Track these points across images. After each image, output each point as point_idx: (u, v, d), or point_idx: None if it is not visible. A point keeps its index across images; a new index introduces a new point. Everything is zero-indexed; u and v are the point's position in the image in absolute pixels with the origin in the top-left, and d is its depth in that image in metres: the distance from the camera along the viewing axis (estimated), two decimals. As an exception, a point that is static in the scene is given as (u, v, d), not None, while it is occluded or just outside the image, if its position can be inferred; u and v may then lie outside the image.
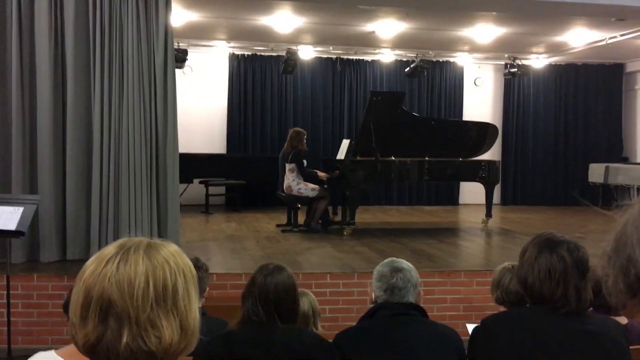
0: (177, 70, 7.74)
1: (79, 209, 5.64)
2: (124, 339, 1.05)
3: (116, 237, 5.60)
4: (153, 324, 1.07)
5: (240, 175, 9.84)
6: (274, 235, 7.34)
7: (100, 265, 1.09)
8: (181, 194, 8.21)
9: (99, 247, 5.52)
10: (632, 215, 0.49)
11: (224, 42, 10.15)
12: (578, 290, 1.89)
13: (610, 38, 9.14)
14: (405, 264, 2.25)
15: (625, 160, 11.56)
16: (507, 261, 2.62)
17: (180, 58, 8.84)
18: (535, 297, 1.94)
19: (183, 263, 1.21)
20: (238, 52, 10.57)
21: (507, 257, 5.96)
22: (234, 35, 9.71)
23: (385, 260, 2.29)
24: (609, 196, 11.59)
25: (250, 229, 7.86)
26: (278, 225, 8.02)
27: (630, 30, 8.70)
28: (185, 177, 8.89)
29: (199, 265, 2.78)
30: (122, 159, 5.64)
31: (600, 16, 7.63)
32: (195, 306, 1.19)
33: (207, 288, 2.86)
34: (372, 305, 2.22)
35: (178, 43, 9.05)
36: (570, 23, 8.44)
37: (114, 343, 1.05)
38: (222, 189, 10.12)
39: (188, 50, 9.40)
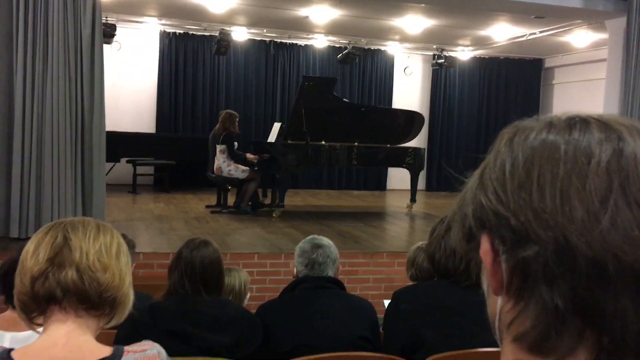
0: (106, 46, 7.55)
1: (-1, 185, 5.45)
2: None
3: (38, 214, 5.47)
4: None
5: (169, 155, 9.72)
6: (203, 216, 7.35)
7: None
8: (107, 173, 8.08)
9: (19, 225, 5.39)
10: (473, 177, 0.57)
11: (155, 19, 9.93)
12: (479, 266, 2.10)
13: (530, 34, 9.66)
14: (325, 240, 2.40)
15: (540, 151, 12.27)
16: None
17: (109, 33, 8.60)
18: (441, 271, 2.13)
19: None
20: (169, 29, 10.38)
21: (427, 239, 6.29)
22: (165, 12, 9.52)
23: (307, 238, 2.43)
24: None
25: (179, 210, 7.83)
26: (207, 206, 8.02)
27: (549, 28, 9.24)
28: (113, 156, 8.71)
29: (125, 241, 2.81)
30: (46, 134, 5.48)
31: (521, 13, 8.06)
32: (129, 275, 1.29)
33: (134, 264, 2.89)
34: (293, 279, 2.36)
35: (106, 17, 8.79)
36: (493, 18, 8.86)
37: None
38: (150, 169, 9.97)
39: (117, 25, 9.14)
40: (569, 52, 11.18)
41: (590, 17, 7.85)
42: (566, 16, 8.19)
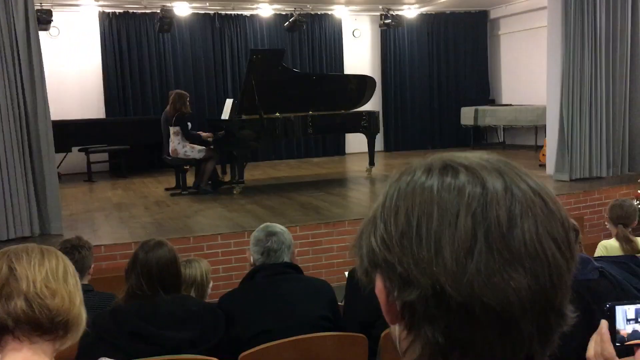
0: (43, 33, 7.29)
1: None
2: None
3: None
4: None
5: (123, 140, 9.54)
6: (163, 200, 7.30)
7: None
8: (59, 165, 7.90)
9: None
10: (372, 209, 0.63)
11: (93, 0, 9.59)
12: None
13: (473, -12, 9.72)
14: (278, 227, 2.45)
15: (492, 102, 12.52)
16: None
17: (44, 19, 8.30)
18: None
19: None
20: (108, 10, 10.05)
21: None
22: (102, -7, 9.20)
23: (260, 226, 2.47)
24: (479, 136, 12.58)
25: (138, 195, 7.75)
26: (167, 189, 7.96)
27: (490, -19, 9.31)
28: (63, 146, 8.52)
29: (81, 244, 2.80)
30: (-12, 134, 5.31)
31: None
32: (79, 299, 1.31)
33: (92, 265, 2.90)
34: (252, 268, 2.41)
35: (41, 3, 8.46)
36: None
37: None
38: (105, 156, 9.78)
39: (52, 10, 8.80)
40: (512, 2, 11.31)
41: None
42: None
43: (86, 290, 2.09)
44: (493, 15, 12.47)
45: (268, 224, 2.48)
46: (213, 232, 5.52)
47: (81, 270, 2.68)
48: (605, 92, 7.24)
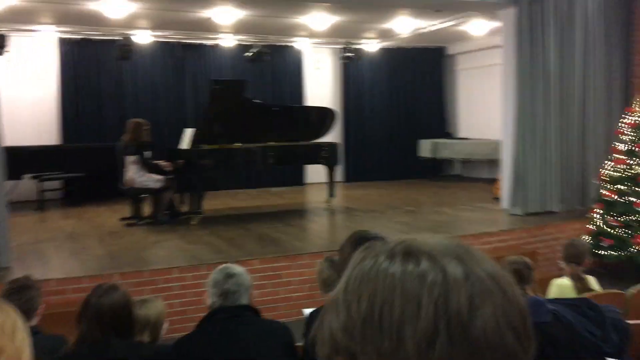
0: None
1: None
2: None
3: None
4: None
5: (78, 167, 9.31)
6: (118, 230, 7.12)
7: None
8: (9, 192, 7.63)
9: None
10: (335, 290, 0.64)
11: (52, 26, 9.43)
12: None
13: (431, 25, 10.02)
14: (237, 269, 2.41)
15: (449, 135, 12.81)
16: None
17: (-1, 44, 8.11)
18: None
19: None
20: (68, 36, 9.89)
21: (347, 235, 6.42)
22: (61, 19, 9.06)
23: (219, 267, 2.43)
24: (437, 169, 12.82)
25: (92, 225, 7.54)
26: (122, 219, 7.77)
27: (448, 19, 9.62)
28: (13, 173, 8.24)
29: (29, 284, 2.70)
30: None
31: (420, 7, 8.33)
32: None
33: (42, 305, 2.78)
34: (209, 311, 2.36)
35: (-4, 28, 8.28)
36: (395, 12, 9.11)
37: None
38: (59, 183, 9.50)
39: (9, 35, 8.62)
40: (469, 40, 11.68)
41: (484, 8, 8.24)
42: (462, 8, 8.56)
43: (34, 333, 2.01)
44: (450, 51, 12.84)
45: (227, 265, 2.45)
46: (169, 265, 5.40)
47: (29, 311, 2.57)
48: (556, 128, 7.50)
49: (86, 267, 5.32)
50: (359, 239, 2.26)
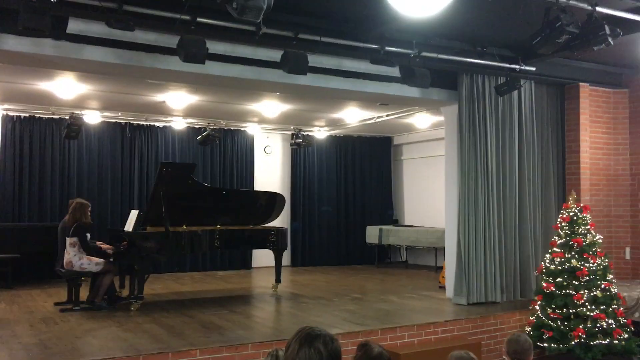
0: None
1: None
2: None
3: None
4: None
5: (12, 248, 8.89)
6: (52, 316, 6.73)
7: None
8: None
9: None
10: None
11: (-3, 103, 9.30)
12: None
13: (377, 117, 10.45)
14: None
15: (395, 222, 13.03)
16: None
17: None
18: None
19: None
20: (13, 113, 9.75)
21: (293, 324, 6.28)
22: (8, 97, 8.95)
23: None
24: (383, 255, 12.91)
25: (24, 310, 7.11)
26: (57, 304, 7.38)
27: (393, 112, 10.07)
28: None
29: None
30: None
31: (367, 101, 8.70)
32: None
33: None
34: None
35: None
36: (344, 104, 9.48)
37: None
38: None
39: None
40: (414, 132, 12.20)
41: (427, 104, 8.69)
42: (407, 104, 8.99)
43: None
44: (396, 141, 13.34)
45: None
46: (104, 356, 5.09)
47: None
48: (497, 220, 7.76)
49: (14, 357, 4.96)
50: (306, 336, 2.23)
